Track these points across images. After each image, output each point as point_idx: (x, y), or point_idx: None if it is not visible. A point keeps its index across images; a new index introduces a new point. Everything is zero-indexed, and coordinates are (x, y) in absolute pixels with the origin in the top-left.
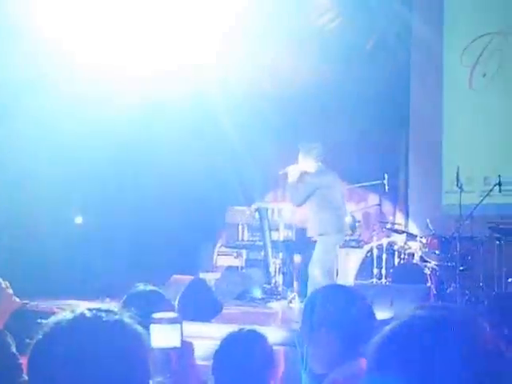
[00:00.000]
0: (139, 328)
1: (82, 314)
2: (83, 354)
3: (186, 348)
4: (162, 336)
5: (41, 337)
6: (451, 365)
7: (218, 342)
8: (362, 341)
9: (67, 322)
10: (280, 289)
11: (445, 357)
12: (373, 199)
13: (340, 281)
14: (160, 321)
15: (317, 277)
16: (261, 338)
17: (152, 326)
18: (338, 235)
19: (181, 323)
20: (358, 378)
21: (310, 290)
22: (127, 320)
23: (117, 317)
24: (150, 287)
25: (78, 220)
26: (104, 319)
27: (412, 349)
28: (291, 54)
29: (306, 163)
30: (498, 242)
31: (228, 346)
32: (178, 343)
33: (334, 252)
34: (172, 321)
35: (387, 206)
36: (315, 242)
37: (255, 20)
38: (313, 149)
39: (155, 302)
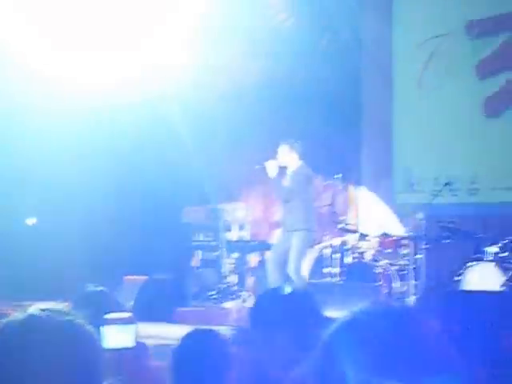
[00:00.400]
0: (91, 328)
1: (34, 315)
2: (35, 355)
3: (139, 349)
4: (116, 337)
5: None
6: (392, 359)
7: (175, 342)
8: (313, 340)
9: (19, 322)
10: (234, 288)
11: (387, 351)
12: (325, 199)
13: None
14: (114, 321)
15: (294, 273)
16: (218, 337)
17: (106, 327)
18: (311, 232)
19: (135, 324)
20: (312, 376)
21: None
22: (79, 321)
23: (68, 317)
24: (100, 288)
25: (31, 221)
26: (55, 319)
27: (354, 342)
28: (245, 53)
29: (288, 159)
30: (447, 241)
31: (186, 345)
32: (131, 344)
33: (307, 248)
34: (126, 321)
35: (340, 206)
36: (268, 242)
37: (210, 20)
38: (296, 145)
39: (104, 303)
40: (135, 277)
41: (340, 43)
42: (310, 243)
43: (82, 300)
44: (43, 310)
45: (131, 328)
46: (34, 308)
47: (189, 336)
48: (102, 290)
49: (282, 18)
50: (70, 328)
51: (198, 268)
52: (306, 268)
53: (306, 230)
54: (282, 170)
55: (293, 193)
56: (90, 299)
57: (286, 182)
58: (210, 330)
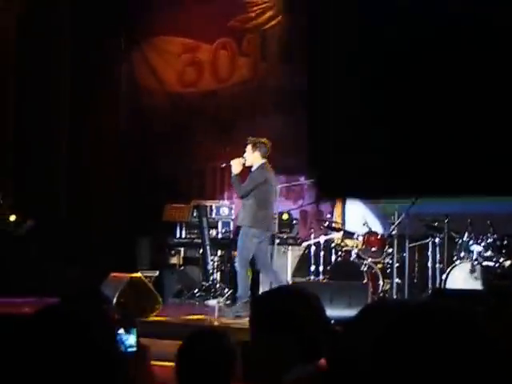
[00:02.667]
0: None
1: (47, 314)
2: (49, 354)
3: (142, 351)
4: (122, 340)
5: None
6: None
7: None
8: (318, 342)
9: (33, 322)
10: (218, 286)
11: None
12: (310, 197)
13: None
14: (117, 324)
15: (238, 265)
16: (223, 337)
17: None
18: (267, 232)
19: (137, 327)
20: (315, 379)
21: (241, 283)
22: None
23: (84, 317)
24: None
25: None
26: (72, 319)
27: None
28: (229, 50)
29: (251, 157)
30: (432, 240)
31: (191, 345)
32: (133, 347)
33: (254, 245)
34: (129, 324)
35: (324, 204)
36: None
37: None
38: (261, 144)
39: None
40: (120, 274)
41: None
42: (247, 238)
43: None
44: (56, 309)
45: (133, 331)
46: (44, 308)
47: (195, 336)
48: (96, 288)
49: (267, 17)
50: (88, 328)
51: (180, 266)
52: (290, 266)
53: (249, 228)
54: (247, 167)
55: (246, 190)
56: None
57: (248, 179)
58: (216, 330)
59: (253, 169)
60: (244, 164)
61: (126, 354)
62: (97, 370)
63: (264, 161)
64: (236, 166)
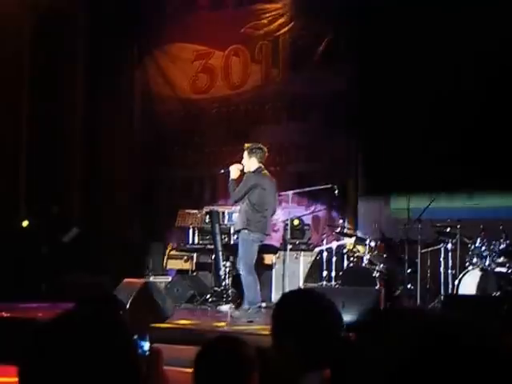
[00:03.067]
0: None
1: (67, 318)
2: (81, 356)
3: (154, 356)
4: None
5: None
6: None
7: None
8: (327, 350)
9: (63, 324)
10: (230, 291)
11: None
12: (322, 203)
13: (289, 284)
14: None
15: (243, 272)
16: (244, 343)
17: None
18: (261, 235)
19: (148, 332)
20: None
21: (251, 289)
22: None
23: (104, 321)
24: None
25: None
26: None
27: None
28: (242, 56)
29: (248, 163)
30: (444, 245)
31: (210, 353)
32: (146, 352)
33: (256, 249)
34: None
35: (337, 210)
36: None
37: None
38: (257, 149)
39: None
40: (134, 279)
41: (339, 49)
42: (253, 244)
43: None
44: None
45: (145, 336)
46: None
47: (214, 343)
48: (111, 294)
49: (280, 24)
50: (116, 328)
51: (193, 271)
52: (302, 271)
53: (245, 231)
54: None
55: (238, 195)
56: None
57: (241, 183)
58: (237, 337)
59: (246, 174)
60: (242, 170)
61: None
62: (118, 374)
63: (259, 166)
64: (234, 171)
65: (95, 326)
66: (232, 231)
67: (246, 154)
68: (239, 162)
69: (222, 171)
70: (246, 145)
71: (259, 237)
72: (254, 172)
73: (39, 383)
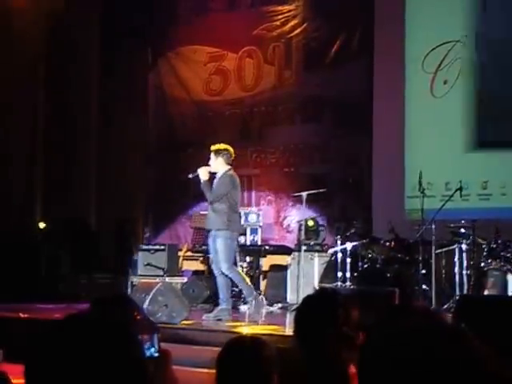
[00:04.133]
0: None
1: (73, 319)
2: (84, 358)
3: (163, 356)
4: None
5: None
6: None
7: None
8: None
9: (68, 325)
10: None
11: None
12: (337, 204)
13: (304, 285)
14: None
15: (226, 271)
16: (265, 344)
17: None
18: (238, 234)
19: (159, 332)
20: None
21: (242, 285)
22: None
23: (111, 323)
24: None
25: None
26: (105, 323)
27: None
28: (255, 58)
29: (215, 164)
30: (458, 246)
31: (232, 353)
32: (154, 353)
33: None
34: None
35: (351, 211)
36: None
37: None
38: (223, 151)
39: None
40: (150, 280)
41: (351, 51)
42: (233, 243)
43: (101, 305)
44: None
45: (155, 337)
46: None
47: (237, 343)
48: (124, 294)
49: (292, 25)
50: (120, 331)
51: (209, 272)
52: (317, 272)
53: (226, 231)
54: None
55: (218, 195)
56: (113, 304)
57: (217, 185)
58: (258, 338)
59: (218, 175)
60: (210, 171)
61: (149, 360)
62: (123, 376)
63: (229, 167)
64: (203, 173)
65: (100, 327)
66: (213, 231)
67: (212, 155)
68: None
69: (191, 176)
70: (213, 146)
71: (237, 236)
72: (228, 172)
73: (44, 383)
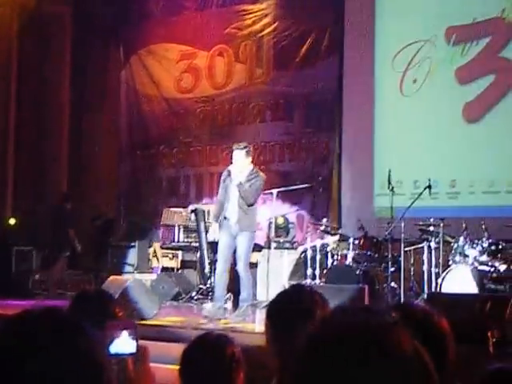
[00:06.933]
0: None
1: (41, 316)
2: (45, 357)
3: (141, 353)
4: (118, 342)
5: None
6: None
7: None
8: None
9: (29, 323)
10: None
11: None
12: (306, 201)
13: (273, 282)
14: (116, 327)
15: (245, 271)
16: (229, 341)
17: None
18: (252, 233)
19: (136, 328)
20: None
21: (248, 287)
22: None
23: (75, 319)
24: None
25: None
26: (65, 321)
27: None
28: (226, 56)
29: (245, 163)
30: (427, 244)
31: (197, 350)
32: (133, 349)
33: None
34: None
35: (320, 208)
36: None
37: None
38: (250, 150)
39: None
40: (120, 277)
41: (321, 48)
42: (252, 242)
43: (83, 300)
44: (50, 311)
45: (132, 332)
46: (38, 309)
47: (201, 340)
48: (103, 291)
49: (264, 24)
50: (80, 330)
51: (178, 269)
52: (286, 269)
53: (254, 232)
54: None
55: (256, 197)
56: (92, 300)
57: (249, 185)
58: (224, 335)
59: (246, 174)
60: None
61: (118, 357)
62: (75, 376)
63: (252, 165)
64: (236, 173)
65: (50, 323)
66: (235, 229)
67: (242, 153)
68: (226, 160)
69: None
70: (240, 145)
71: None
72: (256, 170)
73: None
